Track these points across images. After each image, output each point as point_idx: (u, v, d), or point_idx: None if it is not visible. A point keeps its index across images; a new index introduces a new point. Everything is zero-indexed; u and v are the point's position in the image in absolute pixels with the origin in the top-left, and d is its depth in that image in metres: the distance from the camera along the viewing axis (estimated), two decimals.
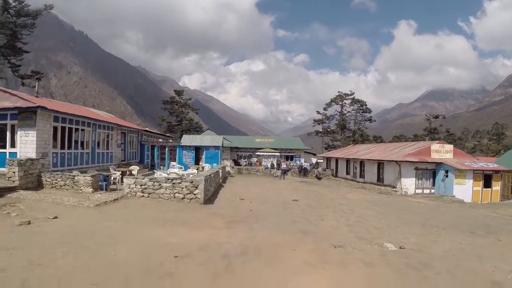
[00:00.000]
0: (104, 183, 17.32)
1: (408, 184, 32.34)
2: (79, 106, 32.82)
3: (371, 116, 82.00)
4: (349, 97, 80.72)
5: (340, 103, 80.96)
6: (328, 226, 12.50)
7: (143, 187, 15.63)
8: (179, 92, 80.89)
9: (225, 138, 50.94)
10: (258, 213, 14.13)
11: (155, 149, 35.28)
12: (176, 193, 15.34)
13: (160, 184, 15.50)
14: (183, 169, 29.57)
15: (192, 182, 15.27)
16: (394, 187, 33.01)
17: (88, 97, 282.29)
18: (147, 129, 41.38)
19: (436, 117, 79.41)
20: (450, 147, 34.98)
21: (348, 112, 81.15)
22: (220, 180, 25.60)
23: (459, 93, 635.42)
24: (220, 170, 25.74)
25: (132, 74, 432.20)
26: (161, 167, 35.74)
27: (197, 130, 64.94)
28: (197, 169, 30.47)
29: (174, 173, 22.08)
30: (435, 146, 34.25)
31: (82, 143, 23.14)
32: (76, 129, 22.31)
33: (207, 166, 31.34)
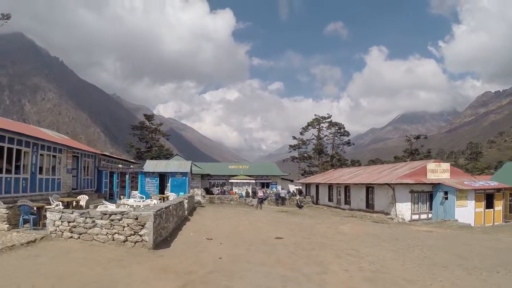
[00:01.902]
0: (32, 217, 12.75)
1: (404, 209, 28.69)
2: (19, 123, 28.09)
3: (349, 140, 79.26)
4: (326, 120, 77.94)
5: (317, 126, 78.08)
6: (338, 283, 8.27)
7: (71, 224, 11.11)
8: (149, 117, 76.79)
9: (195, 164, 46.70)
10: (231, 264, 9.74)
11: (114, 176, 30.73)
12: (115, 233, 10.88)
13: (94, 221, 11.04)
14: (144, 199, 25.04)
15: (137, 219, 10.83)
16: (388, 213, 29.20)
17: (62, 124, 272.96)
18: (106, 153, 36.72)
19: (418, 137, 77.05)
20: (447, 165, 31.66)
21: (325, 136, 78.25)
22: (186, 212, 21.12)
23: (431, 115, 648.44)
24: (186, 200, 21.27)
25: (107, 102, 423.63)
26: (121, 196, 31.21)
27: (168, 157, 60.45)
28: (161, 199, 26.05)
29: (126, 204, 17.60)
30: (431, 165, 30.80)
31: (17, 166, 18.55)
32: (10, 149, 17.68)
33: (172, 195, 26.82)
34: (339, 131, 77.70)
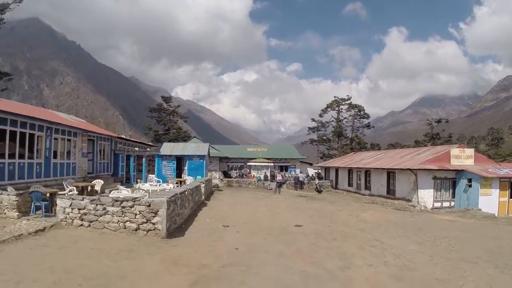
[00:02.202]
0: (44, 203, 12.41)
1: (426, 196, 27.71)
2: (33, 107, 27.90)
3: (369, 122, 77.72)
4: (346, 102, 76.35)
5: (337, 108, 76.60)
6: (363, 281, 7.65)
7: (82, 212, 10.67)
8: (166, 99, 76.37)
9: (212, 147, 46.29)
10: (247, 255, 9.18)
11: (131, 160, 30.39)
12: (127, 221, 10.40)
13: (105, 209, 10.56)
14: (160, 183, 24.67)
15: (149, 206, 10.30)
16: (409, 200, 28.29)
17: (80, 108, 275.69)
18: (122, 136, 36.42)
19: (439, 121, 74.86)
20: (471, 151, 30.35)
21: (345, 118, 76.74)
22: (203, 197, 20.63)
23: (451, 99, 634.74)
24: (203, 185, 20.75)
25: (125, 85, 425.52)
26: (138, 180, 30.94)
27: (186, 139, 60.16)
28: (178, 183, 25.65)
29: (141, 189, 17.21)
30: (455, 151, 29.55)
31: (31, 150, 18.24)
32: (22, 134, 17.35)
33: (189, 179, 26.36)
34: (358, 113, 76.11)
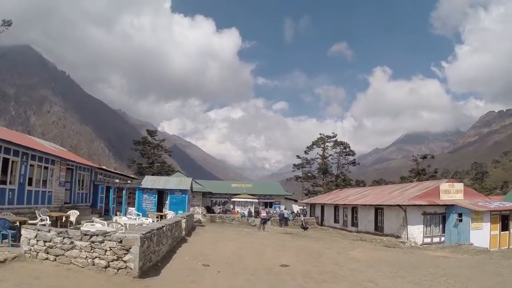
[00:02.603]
0: (11, 232, 11.29)
1: (416, 232, 27.00)
2: (9, 130, 26.86)
3: (354, 159, 77.42)
4: (332, 139, 76.30)
5: (322, 146, 76.36)
6: None
7: (48, 244, 9.58)
8: (151, 133, 75.47)
9: (196, 182, 45.17)
10: None
11: (110, 191, 29.23)
12: (96, 257, 9.33)
13: (72, 242, 9.51)
14: (140, 216, 23.52)
15: (121, 242, 9.29)
16: (398, 236, 27.47)
17: (66, 138, 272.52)
18: (103, 167, 35.18)
19: (424, 157, 74.81)
20: (460, 185, 29.95)
21: (330, 155, 76.47)
22: (183, 232, 19.51)
23: (434, 136, 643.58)
24: (184, 220, 19.68)
25: (112, 117, 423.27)
26: (118, 212, 29.70)
27: (169, 173, 58.89)
28: (158, 217, 24.52)
29: (118, 223, 16.11)
30: (444, 185, 29.06)
31: (5, 175, 17.19)
32: None
33: (170, 214, 25.28)
34: (344, 150, 76.00)
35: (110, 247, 9.31)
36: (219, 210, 47.69)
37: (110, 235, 9.43)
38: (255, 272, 11.37)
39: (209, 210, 46.71)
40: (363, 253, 17.59)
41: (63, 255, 9.50)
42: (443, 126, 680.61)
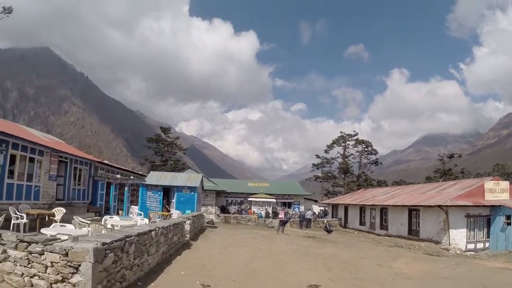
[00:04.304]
0: None
1: (458, 237, 23.34)
2: None
3: (377, 158, 73.55)
4: (353, 138, 72.60)
5: (343, 144, 72.70)
6: None
7: None
8: (165, 130, 72.73)
9: (209, 180, 42.09)
10: None
11: (111, 188, 26.26)
12: (34, 276, 6.11)
13: (5, 251, 6.37)
14: (142, 216, 20.36)
15: (66, 255, 5.99)
16: (438, 242, 23.83)
17: (84, 138, 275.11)
18: (105, 161, 32.21)
19: (451, 156, 70.11)
20: (506, 184, 26.15)
21: (351, 154, 72.75)
22: (188, 236, 16.23)
23: (453, 137, 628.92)
24: (189, 221, 16.38)
25: (130, 118, 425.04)
26: (120, 211, 26.75)
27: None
28: (162, 217, 21.41)
29: (100, 224, 12.91)
30: (489, 184, 25.24)
31: None
32: None
33: (175, 213, 22.07)
34: (366, 149, 72.31)
35: (52, 262, 6.04)
36: (234, 210, 44.78)
37: (51, 244, 6.14)
38: None
39: (224, 210, 43.71)
40: (408, 265, 13.99)
41: None
42: (462, 128, 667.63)
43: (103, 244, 6.36)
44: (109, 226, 13.49)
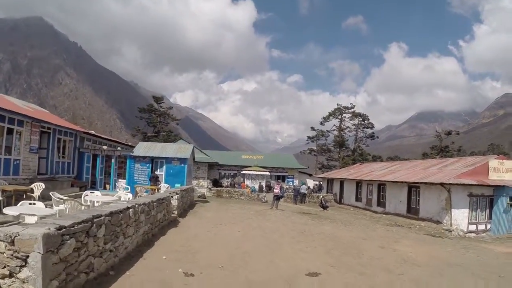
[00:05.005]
0: None
1: (460, 218, 22.25)
2: None
3: (373, 132, 72.33)
4: (349, 110, 71.25)
5: (339, 117, 71.36)
6: None
7: None
8: (158, 99, 70.82)
9: (201, 151, 40.85)
10: None
11: (97, 160, 24.95)
12: None
13: None
14: (128, 190, 19.18)
15: (12, 243, 4.75)
16: (439, 222, 22.84)
17: (78, 110, 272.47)
18: (92, 132, 30.78)
19: (449, 133, 69.09)
20: (510, 164, 24.95)
21: (348, 127, 71.50)
22: (175, 212, 15.10)
23: (448, 115, 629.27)
24: (176, 196, 15.22)
25: (124, 89, 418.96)
26: (107, 185, 25.56)
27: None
28: (153, 191, 20.25)
29: (75, 201, 11.71)
30: (493, 162, 24.15)
31: None
32: None
33: (164, 187, 20.86)
34: (362, 122, 71.12)
35: None
36: (227, 184, 43.80)
37: None
38: None
39: (216, 183, 42.69)
40: (413, 248, 12.93)
41: None
42: (458, 106, 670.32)
43: (60, 228, 5.10)
44: (88, 202, 12.28)
